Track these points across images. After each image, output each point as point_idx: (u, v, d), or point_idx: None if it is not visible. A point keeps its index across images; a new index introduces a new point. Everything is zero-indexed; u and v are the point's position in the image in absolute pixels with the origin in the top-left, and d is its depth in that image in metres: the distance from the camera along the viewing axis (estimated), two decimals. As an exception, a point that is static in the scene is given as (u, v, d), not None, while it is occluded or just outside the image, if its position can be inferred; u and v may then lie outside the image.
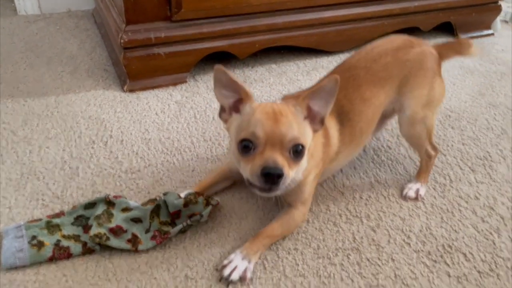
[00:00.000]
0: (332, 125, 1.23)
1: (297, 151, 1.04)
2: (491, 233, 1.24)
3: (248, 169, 1.03)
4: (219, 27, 1.86)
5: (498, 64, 2.20)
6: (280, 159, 1.01)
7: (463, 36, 2.45)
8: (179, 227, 1.17)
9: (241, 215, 1.28)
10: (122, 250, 1.14)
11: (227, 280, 1.07)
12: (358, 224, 1.26)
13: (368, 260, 1.16)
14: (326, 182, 1.41)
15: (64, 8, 2.53)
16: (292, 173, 1.05)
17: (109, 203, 1.22)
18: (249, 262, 1.10)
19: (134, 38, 1.74)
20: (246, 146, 1.03)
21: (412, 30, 2.34)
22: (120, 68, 1.88)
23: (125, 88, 1.84)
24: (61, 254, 1.11)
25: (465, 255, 1.18)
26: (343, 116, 1.25)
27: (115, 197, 1.23)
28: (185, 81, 1.92)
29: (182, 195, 1.22)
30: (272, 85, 1.94)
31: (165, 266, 1.11)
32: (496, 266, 1.15)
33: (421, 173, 1.40)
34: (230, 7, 1.83)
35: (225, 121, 1.15)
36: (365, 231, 1.24)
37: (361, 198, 1.36)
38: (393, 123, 1.69)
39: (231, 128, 1.12)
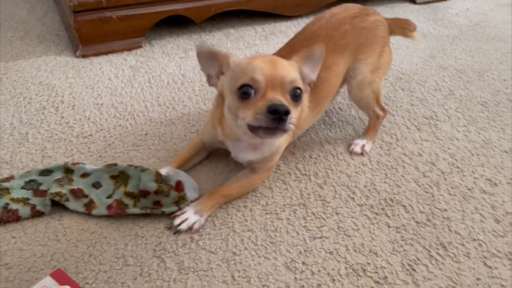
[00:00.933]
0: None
1: (295, 95, 1.06)
2: (431, 187, 1.31)
3: (250, 113, 1.01)
4: (173, -10, 1.83)
5: (451, 28, 2.25)
6: (283, 100, 1.02)
7: (420, 1, 2.49)
8: (137, 211, 1.15)
9: (210, 178, 1.30)
10: (72, 212, 1.16)
11: (174, 229, 1.12)
12: (306, 182, 1.31)
13: (313, 214, 1.21)
14: (277, 143, 1.44)
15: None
16: (294, 115, 1.04)
17: (67, 170, 1.22)
18: (201, 216, 1.15)
19: (84, 1, 1.70)
20: (245, 93, 1.02)
21: (369, -5, 2.37)
22: (72, 33, 1.84)
23: (77, 53, 1.80)
24: (9, 217, 1.12)
25: (405, 207, 1.24)
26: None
27: (74, 164, 1.24)
28: (140, 46, 1.89)
29: (163, 172, 1.20)
30: (230, 50, 1.94)
31: (115, 226, 1.14)
32: (433, 217, 1.22)
33: (368, 130, 1.47)
34: (182, -31, 1.80)
35: (215, 85, 1.15)
36: (312, 187, 1.29)
37: (310, 157, 1.40)
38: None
39: (223, 87, 1.12)
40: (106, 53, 1.83)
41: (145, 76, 1.72)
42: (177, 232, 1.13)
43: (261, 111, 0.99)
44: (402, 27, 1.45)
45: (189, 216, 1.14)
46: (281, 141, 1.22)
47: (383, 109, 1.45)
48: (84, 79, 1.68)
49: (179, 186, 1.17)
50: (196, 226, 1.14)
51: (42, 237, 1.09)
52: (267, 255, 1.10)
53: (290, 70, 1.06)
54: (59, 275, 0.96)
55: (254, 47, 1.97)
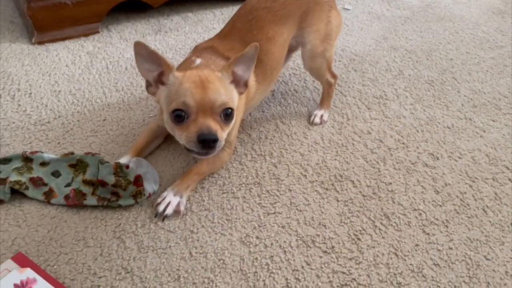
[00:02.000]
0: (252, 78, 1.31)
1: (227, 114, 1.11)
2: (378, 163, 1.40)
3: (184, 137, 1.08)
4: (128, -25, 1.83)
5: (404, 9, 2.34)
6: (213, 125, 1.07)
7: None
8: (94, 203, 1.17)
9: (169, 161, 1.34)
10: (32, 199, 1.18)
11: (161, 216, 1.17)
12: (262, 162, 1.38)
13: (268, 192, 1.28)
14: (234, 125, 1.50)
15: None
16: (225, 135, 1.12)
17: (26, 159, 1.24)
18: (181, 197, 1.20)
19: (37, -13, 1.68)
20: (178, 116, 1.07)
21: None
22: (26, 20, 1.81)
23: (33, 40, 1.78)
24: None
25: (353, 182, 1.33)
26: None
27: (32, 153, 1.25)
28: (98, 32, 1.89)
29: (122, 161, 1.23)
30: (188, 34, 1.96)
31: (75, 210, 1.17)
32: (378, 190, 1.31)
33: (323, 100, 1.57)
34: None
35: (153, 94, 1.17)
36: (267, 167, 1.36)
37: (266, 138, 1.46)
38: (298, 64, 1.79)
39: (160, 100, 1.15)
40: (63, 39, 1.82)
41: (102, 62, 1.73)
42: (165, 217, 1.17)
43: (192, 138, 1.06)
44: None
45: (171, 199, 1.19)
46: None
47: (334, 76, 1.55)
48: (40, 66, 1.67)
49: (137, 181, 1.19)
50: (182, 208, 1.19)
51: (3, 223, 1.12)
52: (223, 232, 1.16)
53: (220, 90, 1.09)
54: (20, 258, 1.00)
55: (213, 30, 2.00)
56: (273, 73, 1.44)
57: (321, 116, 1.53)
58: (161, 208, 1.17)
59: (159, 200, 1.19)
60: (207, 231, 1.16)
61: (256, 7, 1.37)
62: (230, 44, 1.33)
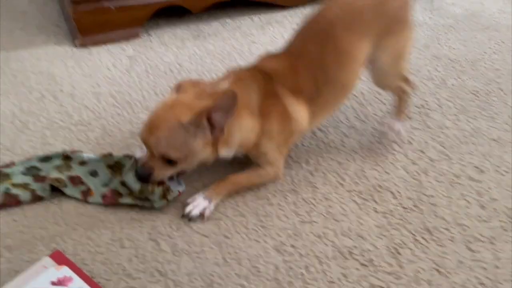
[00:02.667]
0: (298, 109, 1.23)
1: (168, 161, 1.10)
2: (419, 174, 1.35)
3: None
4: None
5: (447, 17, 2.26)
6: (150, 162, 1.11)
7: (417, -10, 2.49)
8: (130, 201, 1.18)
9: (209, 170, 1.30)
10: (70, 197, 1.20)
11: (187, 216, 1.16)
12: (298, 169, 1.35)
13: (303, 200, 1.25)
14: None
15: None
16: (168, 173, 1.14)
17: (66, 158, 1.27)
18: (210, 202, 1.19)
19: (83, -8, 1.73)
20: None
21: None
22: (71, 23, 1.87)
23: (76, 43, 1.83)
24: (10, 201, 1.16)
25: (393, 193, 1.28)
26: (315, 94, 1.24)
27: (72, 152, 1.28)
28: (138, 36, 1.92)
29: (139, 153, 1.24)
30: (226, 39, 1.97)
31: (112, 210, 1.18)
32: (420, 203, 1.26)
33: (398, 110, 1.45)
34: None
35: None
36: (303, 174, 1.33)
37: (302, 145, 1.44)
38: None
39: None
40: (105, 42, 1.86)
41: (142, 65, 1.76)
42: (190, 219, 1.17)
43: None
44: None
45: (199, 202, 1.18)
46: (253, 142, 1.21)
47: (408, 82, 1.42)
48: (83, 68, 1.72)
49: (160, 182, 1.17)
50: (207, 213, 1.17)
51: (42, 221, 1.14)
52: (258, 239, 1.14)
53: (161, 140, 1.07)
54: (57, 256, 1.01)
55: (251, 36, 2.00)
56: (338, 99, 1.35)
57: (399, 131, 1.41)
58: (188, 209, 1.17)
59: (188, 200, 1.19)
60: (241, 237, 1.14)
61: (331, 22, 1.25)
62: (292, 77, 1.23)
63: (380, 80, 1.40)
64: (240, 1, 2.14)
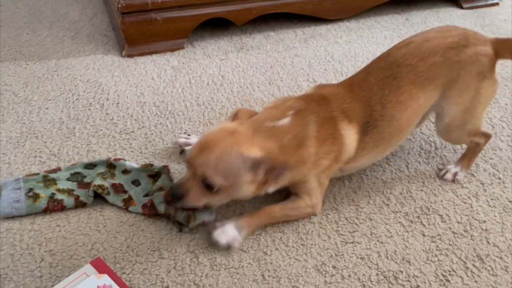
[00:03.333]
0: (349, 133, 1.18)
1: (208, 184, 1.05)
2: (469, 198, 1.28)
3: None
4: (216, -7, 1.87)
5: (499, 34, 2.17)
6: (188, 184, 1.07)
7: (467, 6, 2.41)
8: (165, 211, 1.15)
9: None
10: (112, 205, 1.21)
11: (214, 241, 1.11)
12: (340, 186, 1.31)
13: (346, 219, 1.21)
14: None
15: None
16: (202, 201, 1.08)
17: (110, 165, 1.29)
18: (239, 232, 1.12)
19: (131, 3, 1.77)
20: None
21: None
22: (119, 34, 1.92)
23: (123, 53, 1.87)
24: (55, 206, 1.18)
25: (441, 216, 1.22)
26: (370, 124, 1.19)
27: (116, 160, 1.30)
28: (183, 47, 1.95)
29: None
30: (269, 52, 1.96)
31: (152, 220, 1.18)
32: (470, 228, 1.19)
33: (464, 158, 1.35)
34: (226, -27, 1.84)
35: None
36: (346, 192, 1.29)
37: (346, 161, 1.40)
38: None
39: None
40: (150, 53, 1.89)
41: (186, 76, 1.77)
42: (216, 244, 1.11)
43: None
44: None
45: (228, 229, 1.11)
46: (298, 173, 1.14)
47: (484, 136, 1.32)
48: (128, 77, 1.75)
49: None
50: (235, 245, 1.10)
51: (84, 227, 1.15)
52: (298, 257, 1.11)
53: (211, 161, 1.03)
54: (98, 264, 1.01)
55: (294, 49, 1.98)
56: (392, 140, 1.25)
57: (455, 174, 1.32)
58: (215, 233, 1.11)
59: (217, 224, 1.13)
60: (281, 254, 1.11)
61: (399, 63, 1.20)
62: (349, 102, 1.19)
63: (443, 134, 1.31)
64: (283, 14, 2.13)
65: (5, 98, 1.60)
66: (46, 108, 1.56)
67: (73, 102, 1.60)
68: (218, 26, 2.08)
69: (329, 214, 1.22)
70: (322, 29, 2.17)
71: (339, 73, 1.83)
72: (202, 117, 1.56)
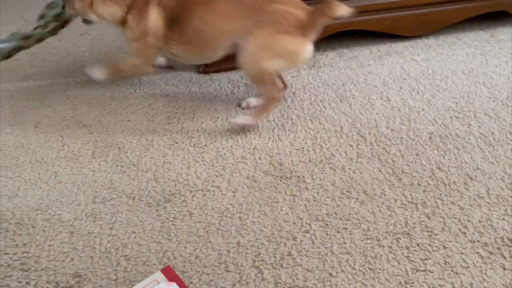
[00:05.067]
0: (154, 13, 1.55)
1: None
2: (561, 230, 1.17)
3: None
4: (291, 12, 1.90)
5: None
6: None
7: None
8: None
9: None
10: (183, 215, 1.26)
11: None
12: (413, 210, 1.26)
13: (418, 245, 1.15)
14: (384, 167, 1.41)
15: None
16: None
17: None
18: (101, 73, 1.78)
19: None
20: None
21: (499, 15, 2.19)
22: (197, 51, 2.01)
23: (200, 70, 1.96)
24: None
25: (526, 250, 1.12)
26: (177, 19, 1.54)
27: None
28: (256, 64, 2.00)
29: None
30: (341, 70, 1.94)
31: (221, 233, 1.21)
32: (561, 265, 1.08)
33: (258, 109, 1.60)
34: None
35: None
36: (419, 217, 1.23)
37: (419, 184, 1.34)
38: (461, 107, 1.62)
39: None
40: (225, 70, 1.96)
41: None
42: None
43: None
44: (323, 12, 1.47)
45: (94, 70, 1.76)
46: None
47: (277, 88, 1.59)
48: (204, 93, 1.83)
49: None
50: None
51: (157, 235, 1.21)
52: (365, 281, 1.07)
53: None
54: (168, 272, 1.06)
55: (367, 67, 1.95)
56: (196, 46, 1.59)
57: (245, 123, 1.60)
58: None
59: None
60: (347, 277, 1.09)
61: None
62: None
63: (242, 65, 1.55)
64: (358, 31, 2.11)
65: (93, 111, 1.74)
66: (128, 121, 1.68)
67: (153, 115, 1.71)
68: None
69: (400, 239, 1.17)
70: (399, 46, 2.11)
71: (415, 92, 1.77)
72: (271, 133, 1.58)
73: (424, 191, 1.32)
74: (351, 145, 1.51)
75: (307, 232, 1.19)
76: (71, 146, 1.55)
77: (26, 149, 1.54)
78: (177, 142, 1.56)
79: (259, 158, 1.47)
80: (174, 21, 1.54)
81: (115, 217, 1.27)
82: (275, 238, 1.19)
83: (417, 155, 1.45)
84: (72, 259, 1.16)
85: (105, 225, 1.25)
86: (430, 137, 1.52)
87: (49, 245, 1.19)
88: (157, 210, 1.29)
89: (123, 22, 1.61)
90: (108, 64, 1.76)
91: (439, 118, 1.61)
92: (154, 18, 1.56)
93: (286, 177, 1.38)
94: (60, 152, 1.52)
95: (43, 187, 1.38)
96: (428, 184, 1.34)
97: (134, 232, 1.23)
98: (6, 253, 1.17)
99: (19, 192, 1.36)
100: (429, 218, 1.23)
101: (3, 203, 1.32)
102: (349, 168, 1.41)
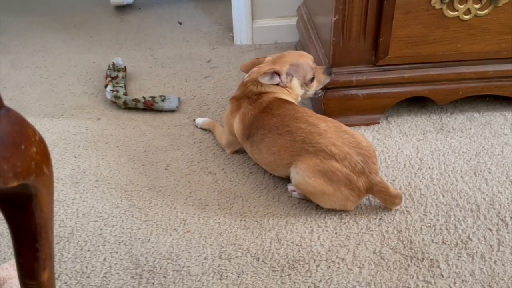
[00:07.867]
0: (236, 121, 1.65)
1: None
2: None
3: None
4: (422, 73, 1.83)
5: None
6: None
7: None
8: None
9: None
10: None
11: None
12: None
13: None
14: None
15: (271, 40, 2.82)
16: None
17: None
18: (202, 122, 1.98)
19: (337, 80, 1.84)
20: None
21: None
22: (318, 105, 2.01)
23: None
24: None
25: None
26: (250, 136, 1.60)
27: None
28: (378, 122, 1.94)
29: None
30: (473, 137, 1.82)
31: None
32: None
33: None
34: (438, 55, 1.78)
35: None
36: None
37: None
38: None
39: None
40: (345, 125, 1.93)
41: (381, 155, 1.76)
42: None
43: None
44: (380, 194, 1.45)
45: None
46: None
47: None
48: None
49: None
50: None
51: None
52: None
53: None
54: None
55: (503, 136, 1.81)
56: (264, 163, 1.62)
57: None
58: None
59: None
60: None
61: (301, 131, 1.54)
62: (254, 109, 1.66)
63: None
64: (491, 95, 1.97)
65: (217, 158, 1.80)
66: (251, 173, 1.71)
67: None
68: (415, 101, 2.03)
69: None
70: (539, 114, 1.93)
71: (562, 172, 1.59)
72: (403, 204, 1.51)
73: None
74: (490, 229, 1.39)
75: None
76: (198, 193, 1.62)
77: (157, 191, 1.63)
78: (299, 203, 1.55)
79: (386, 231, 1.41)
80: (248, 136, 1.60)
81: (240, 278, 1.28)
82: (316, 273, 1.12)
83: None
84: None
85: (231, 285, 1.26)
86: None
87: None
88: (281, 276, 1.28)
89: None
90: (210, 121, 1.92)
91: None
92: (237, 122, 1.66)
93: (418, 259, 1.31)
94: (188, 199, 1.59)
95: (173, 234, 1.44)
96: None
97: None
98: (140, 300, 1.23)
99: (151, 237, 1.44)
100: None
101: (137, 247, 1.40)
102: (489, 258, 1.29)
